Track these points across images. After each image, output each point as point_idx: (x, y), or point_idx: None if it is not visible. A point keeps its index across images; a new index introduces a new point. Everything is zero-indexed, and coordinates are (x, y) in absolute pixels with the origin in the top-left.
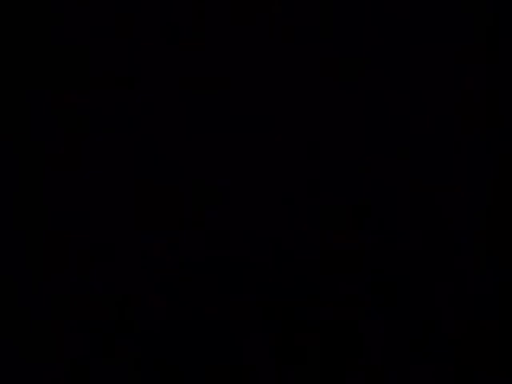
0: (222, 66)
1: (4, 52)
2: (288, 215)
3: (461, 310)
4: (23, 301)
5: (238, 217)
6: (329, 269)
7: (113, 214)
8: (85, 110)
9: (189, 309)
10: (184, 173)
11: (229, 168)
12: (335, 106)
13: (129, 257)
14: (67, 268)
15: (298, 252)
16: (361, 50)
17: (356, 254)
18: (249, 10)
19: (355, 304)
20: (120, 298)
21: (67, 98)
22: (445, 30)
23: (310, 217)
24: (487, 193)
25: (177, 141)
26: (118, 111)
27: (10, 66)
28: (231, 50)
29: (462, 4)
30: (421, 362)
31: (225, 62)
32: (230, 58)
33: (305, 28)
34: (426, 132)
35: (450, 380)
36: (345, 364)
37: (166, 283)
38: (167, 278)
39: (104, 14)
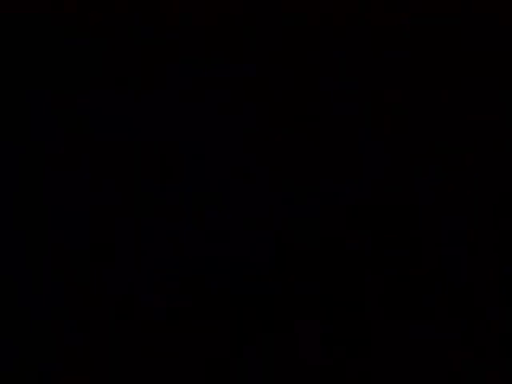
0: None
1: (4, 52)
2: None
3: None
4: (23, 301)
5: (238, 216)
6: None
7: (113, 213)
8: (85, 110)
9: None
10: (184, 172)
11: (229, 167)
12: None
13: (129, 257)
14: (67, 268)
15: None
16: None
17: (357, 252)
18: None
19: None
20: (120, 298)
21: (67, 98)
22: None
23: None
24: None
25: (177, 140)
26: (118, 111)
27: (10, 66)
28: None
29: None
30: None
31: None
32: None
33: None
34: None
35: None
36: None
37: (165, 283)
38: (167, 278)
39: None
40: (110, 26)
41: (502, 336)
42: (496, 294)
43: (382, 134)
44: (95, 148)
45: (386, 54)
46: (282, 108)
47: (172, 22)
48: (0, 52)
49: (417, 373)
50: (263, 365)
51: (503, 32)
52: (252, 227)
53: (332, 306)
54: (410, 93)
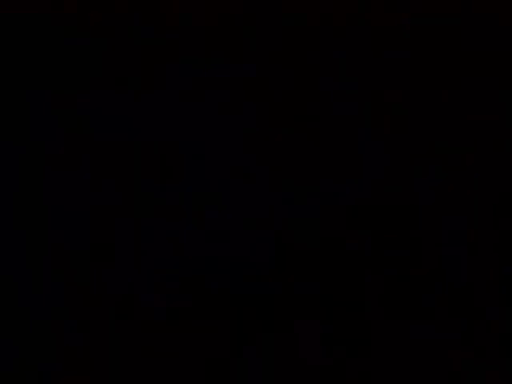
0: None
1: (4, 52)
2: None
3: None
4: (23, 301)
5: (238, 216)
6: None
7: (113, 213)
8: (85, 109)
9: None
10: (184, 172)
11: (229, 167)
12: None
13: (129, 257)
14: (67, 268)
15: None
16: None
17: (357, 252)
18: None
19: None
20: (120, 298)
21: (67, 98)
22: None
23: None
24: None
25: (177, 140)
26: (118, 111)
27: (10, 66)
28: None
29: None
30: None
31: None
32: None
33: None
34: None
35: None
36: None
37: (165, 283)
38: (167, 278)
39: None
40: (110, 26)
41: (502, 336)
42: (496, 293)
43: (382, 134)
44: (95, 148)
45: (386, 53)
46: (282, 108)
47: (172, 22)
48: (0, 52)
49: (417, 373)
50: (263, 365)
51: (503, 32)
52: (252, 227)
53: (332, 305)
54: (410, 93)
